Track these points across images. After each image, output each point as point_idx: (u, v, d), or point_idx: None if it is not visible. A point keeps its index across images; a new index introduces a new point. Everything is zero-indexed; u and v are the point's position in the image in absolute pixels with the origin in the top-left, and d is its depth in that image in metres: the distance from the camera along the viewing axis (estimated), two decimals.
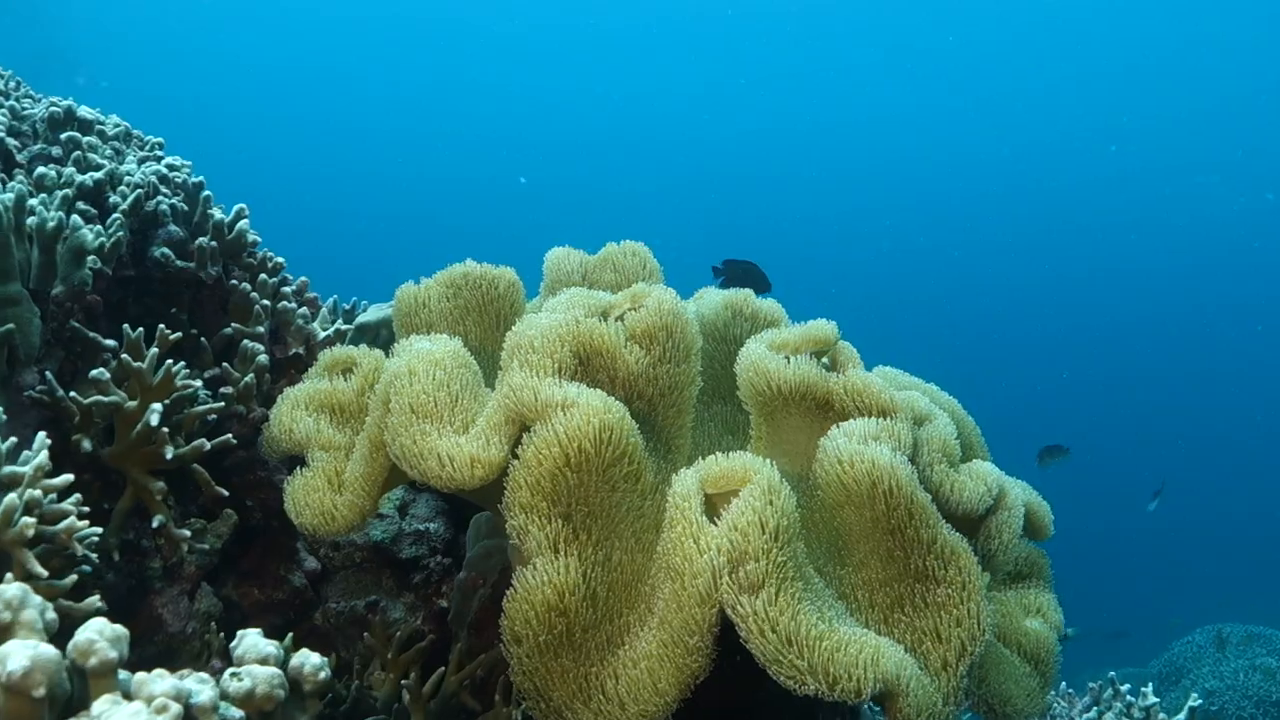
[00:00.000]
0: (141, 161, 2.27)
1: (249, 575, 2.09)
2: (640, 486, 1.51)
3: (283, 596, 2.14)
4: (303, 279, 2.16)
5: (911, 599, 1.49)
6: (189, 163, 2.55)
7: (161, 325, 1.70)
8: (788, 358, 1.65)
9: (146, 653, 1.79)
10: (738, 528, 1.32)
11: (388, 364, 1.61)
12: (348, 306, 2.34)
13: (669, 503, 1.40)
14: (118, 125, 2.34)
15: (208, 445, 1.69)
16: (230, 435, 1.73)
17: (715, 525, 1.34)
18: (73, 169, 1.89)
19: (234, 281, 1.99)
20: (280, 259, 2.09)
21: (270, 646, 1.30)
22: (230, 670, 1.27)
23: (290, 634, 1.34)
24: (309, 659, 1.33)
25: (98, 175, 1.88)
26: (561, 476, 1.42)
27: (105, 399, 1.60)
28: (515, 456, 1.45)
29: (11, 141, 1.95)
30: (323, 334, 2.00)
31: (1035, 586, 1.91)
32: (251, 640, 1.30)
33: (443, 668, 1.71)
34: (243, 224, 2.01)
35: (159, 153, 2.32)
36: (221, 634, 1.74)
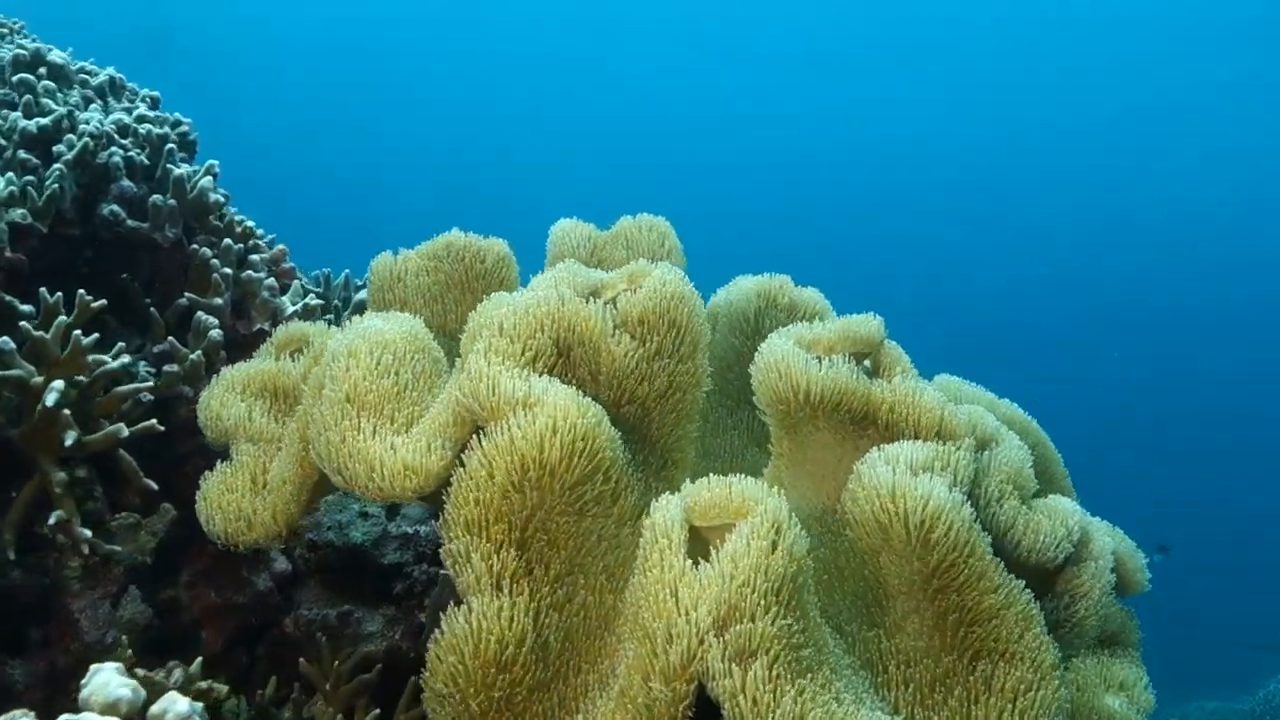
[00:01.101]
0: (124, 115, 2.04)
1: (204, 575, 1.85)
2: (618, 510, 1.20)
3: (243, 600, 1.88)
4: (280, 248, 1.91)
5: (963, 679, 1.15)
6: (186, 120, 2.34)
7: (81, 291, 1.45)
8: (819, 358, 1.31)
9: (61, 664, 1.55)
10: (731, 576, 1.00)
11: (329, 343, 1.33)
12: (339, 281, 2.08)
13: (643, 538, 1.09)
14: (105, 75, 2.13)
15: (125, 431, 1.44)
16: (155, 421, 1.48)
17: (701, 571, 1.03)
18: (19, 114, 1.66)
19: (194, 246, 1.74)
20: (250, 223, 1.84)
21: (124, 689, 1.03)
22: (64, 718, 1.00)
23: (140, 675, 1.07)
24: (174, 706, 1.06)
25: (44, 121, 1.65)
26: (515, 495, 1.11)
27: (7, 373, 1.36)
28: (462, 465, 1.16)
29: None
30: (291, 308, 1.74)
31: (1120, 655, 1.54)
32: (102, 679, 1.03)
33: (378, 710, 1.43)
34: (205, 181, 1.76)
35: (148, 109, 2.10)
36: (129, 651, 1.49)
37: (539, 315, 1.26)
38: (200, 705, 1.08)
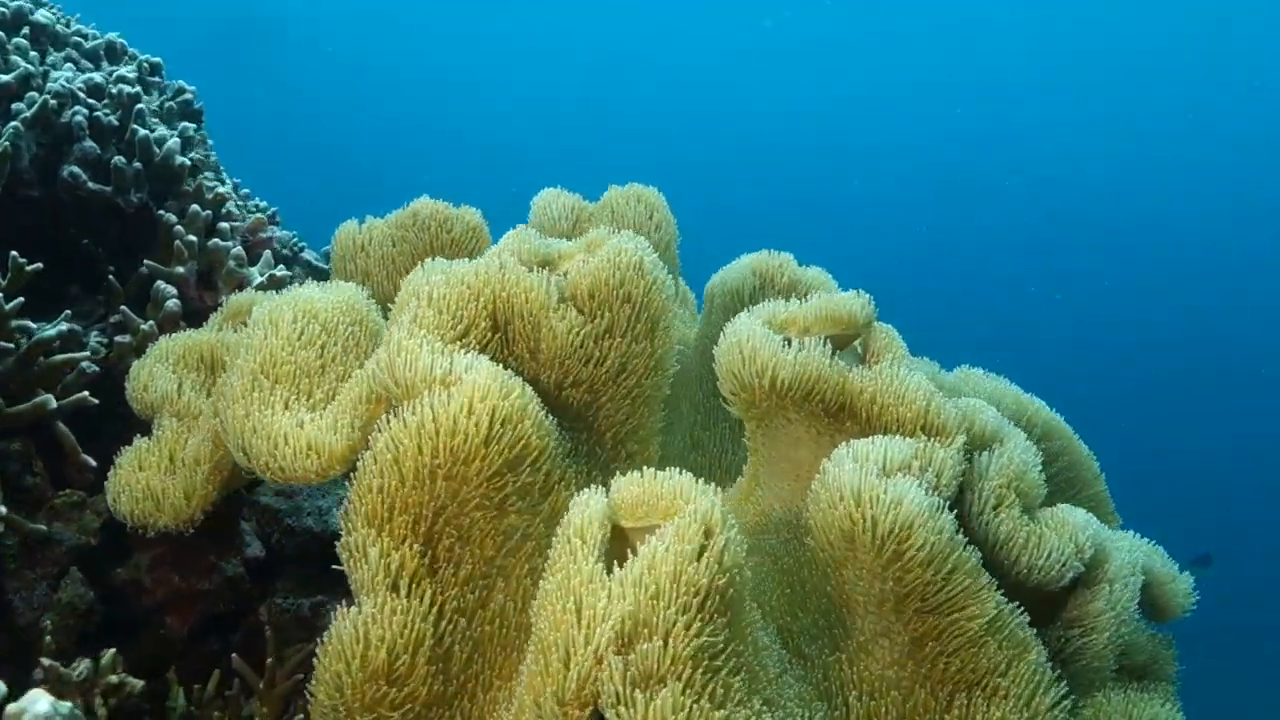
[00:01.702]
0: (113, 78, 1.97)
1: (166, 558, 1.76)
2: (550, 507, 1.06)
3: (209, 586, 1.79)
4: (258, 217, 1.81)
5: (936, 717, 0.98)
6: (190, 88, 2.27)
7: (14, 254, 1.37)
8: (790, 340, 1.15)
9: None
10: (642, 585, 0.85)
11: (253, 310, 1.21)
12: (315, 254, 1.98)
13: (556, 536, 0.94)
14: (103, 39, 2.07)
15: (54, 403, 1.35)
16: (87, 394, 1.39)
17: (612, 578, 0.88)
18: None
19: (160, 212, 1.65)
20: (223, 190, 1.74)
21: None
22: None
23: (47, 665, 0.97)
24: (33, 706, 0.95)
25: (5, 78, 1.58)
26: (422, 484, 0.98)
27: None
28: (369, 448, 1.03)
29: None
30: (258, 279, 1.64)
31: (1151, 689, 1.34)
32: None
33: None
34: (172, 144, 1.66)
35: (131, 72, 2.03)
36: (48, 637, 1.40)
37: (473, 285, 1.13)
38: (68, 705, 0.98)
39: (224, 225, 1.69)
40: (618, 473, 1.18)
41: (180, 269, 1.62)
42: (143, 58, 2.17)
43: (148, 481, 1.19)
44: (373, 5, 16.47)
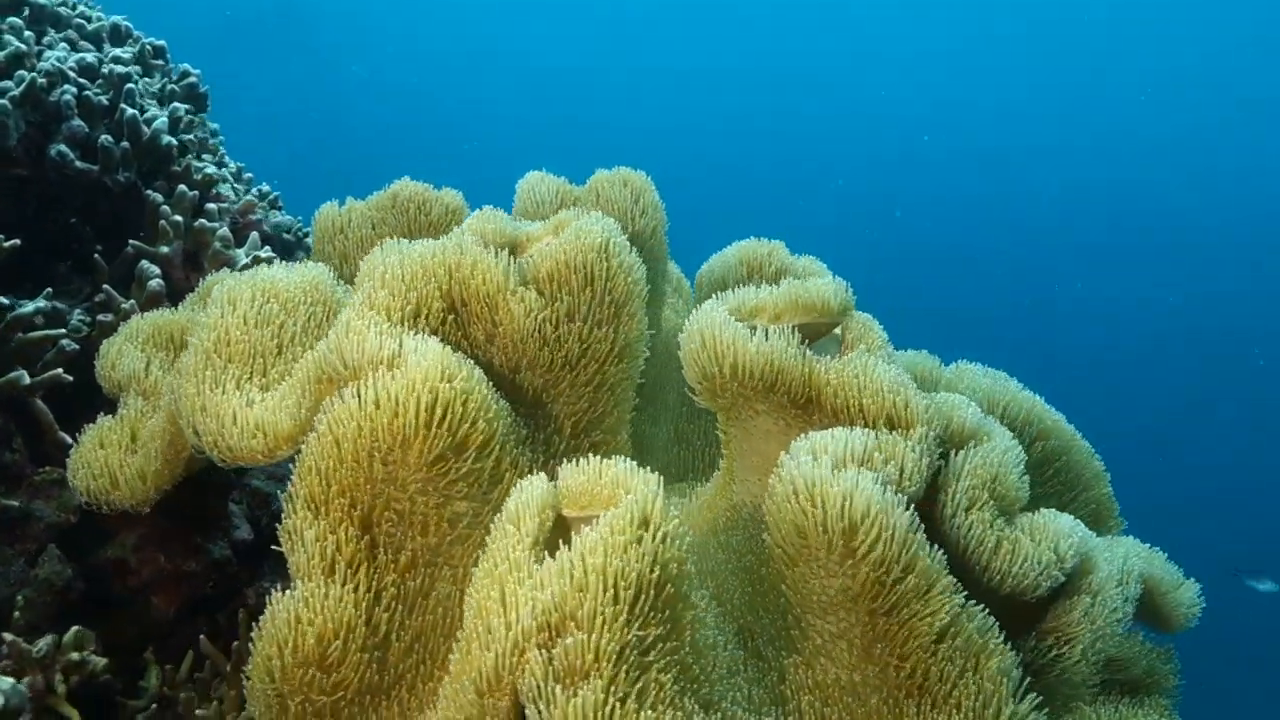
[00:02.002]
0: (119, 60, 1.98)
1: (152, 538, 1.76)
2: (500, 495, 1.02)
3: (195, 568, 1.79)
4: (248, 199, 1.80)
5: None
6: (194, 71, 2.27)
7: None
8: (756, 328, 1.11)
9: None
10: (569, 575, 0.81)
11: (214, 289, 1.20)
12: (298, 234, 1.96)
13: (494, 523, 0.91)
14: (107, 21, 2.07)
15: (26, 379, 1.35)
16: (61, 370, 1.38)
17: (542, 567, 0.84)
18: None
19: (148, 192, 1.65)
20: (212, 171, 1.73)
21: None
22: None
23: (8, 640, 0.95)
24: None
25: None
26: (362, 466, 0.96)
27: None
28: (315, 430, 1.00)
29: None
30: (244, 260, 1.63)
31: (1145, 705, 1.28)
32: None
33: None
34: (159, 124, 1.66)
35: (140, 55, 2.03)
36: (16, 613, 1.40)
37: (428, 265, 1.10)
38: (9, 682, 0.97)
39: (211, 206, 1.68)
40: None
41: (165, 249, 1.61)
42: (146, 40, 2.17)
43: (106, 459, 1.17)
44: None
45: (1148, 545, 1.41)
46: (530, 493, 0.90)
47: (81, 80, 1.67)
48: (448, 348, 1.01)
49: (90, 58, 1.71)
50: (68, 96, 1.62)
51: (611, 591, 0.80)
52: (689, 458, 1.59)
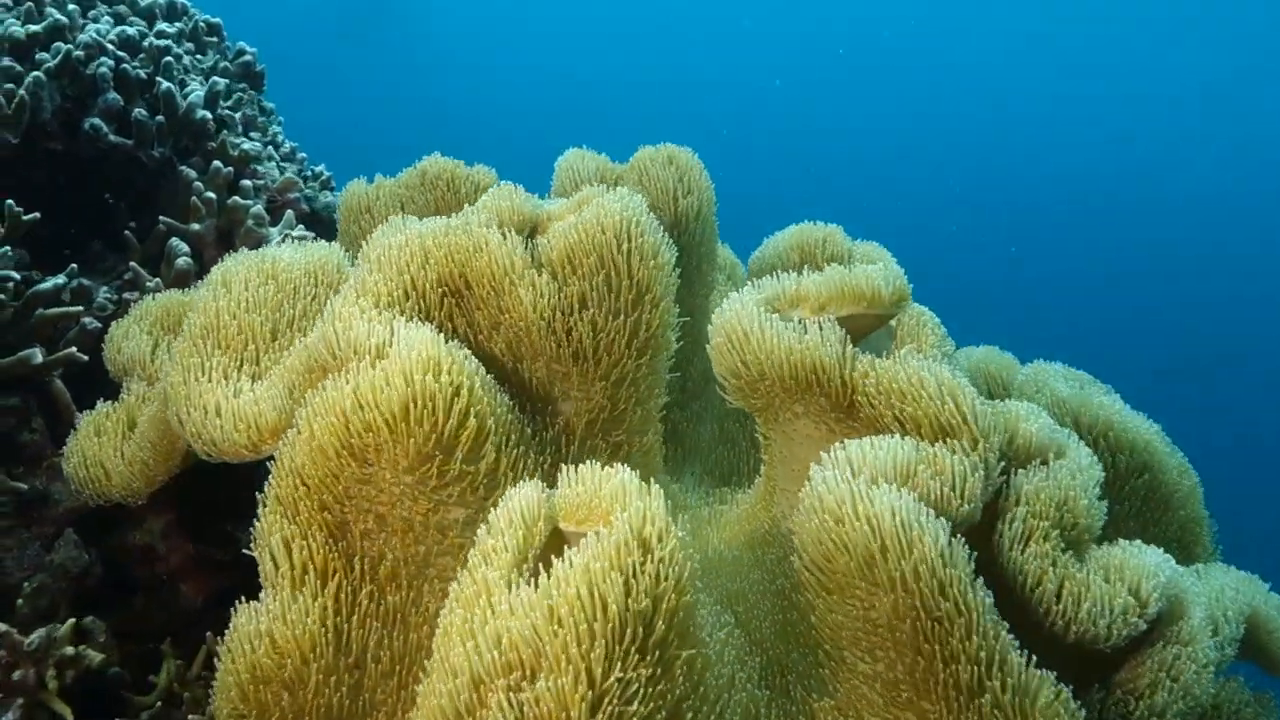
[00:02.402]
0: (179, 37, 1.94)
1: (184, 525, 1.72)
2: (499, 500, 0.92)
3: (225, 558, 1.75)
4: (288, 177, 1.74)
5: None
6: (250, 50, 2.23)
7: (10, 202, 1.32)
8: (795, 320, 0.97)
9: None
10: (544, 607, 0.70)
11: (212, 270, 1.12)
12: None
13: (475, 541, 0.81)
14: None
15: (39, 357, 1.30)
16: (74, 349, 1.34)
17: (517, 595, 0.73)
18: (14, 20, 1.56)
19: (182, 168, 1.60)
20: (249, 148, 1.67)
21: None
22: None
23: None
24: None
25: (34, 28, 1.55)
26: (340, 465, 0.86)
27: None
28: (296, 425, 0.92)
29: None
30: (276, 239, 1.57)
31: None
32: None
33: None
34: (194, 97, 1.60)
35: (190, 30, 1.99)
36: (20, 600, 1.35)
37: (429, 246, 1.00)
38: None
39: (246, 183, 1.62)
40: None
41: (197, 226, 1.56)
42: (201, 17, 2.14)
43: (100, 447, 1.12)
44: None
45: (1248, 574, 1.24)
46: (517, 502, 0.79)
47: (120, 53, 1.63)
48: (441, 336, 0.91)
49: (132, 31, 1.67)
50: (104, 69, 1.58)
51: (591, 626, 0.69)
52: (734, 459, 1.46)
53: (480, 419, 0.89)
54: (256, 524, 0.89)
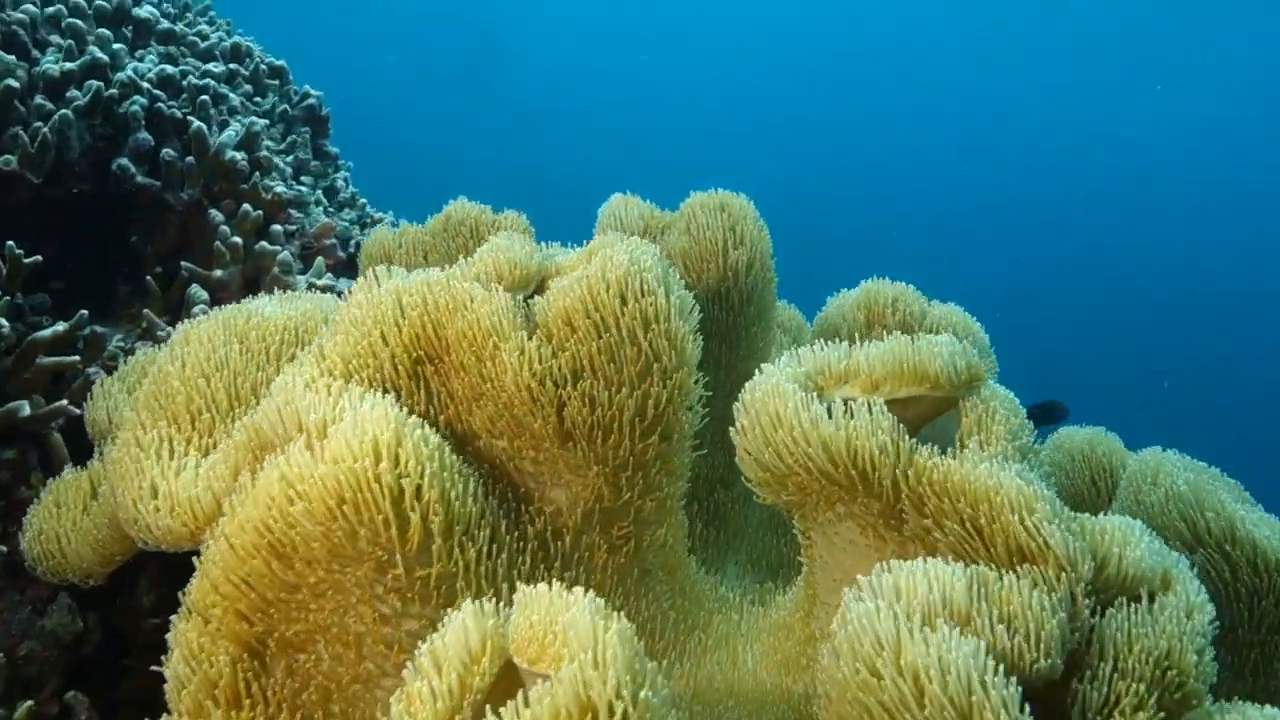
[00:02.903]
0: (231, 81, 1.90)
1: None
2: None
3: None
4: (325, 223, 1.64)
5: None
6: (315, 93, 2.18)
7: (10, 243, 1.25)
8: (840, 403, 0.79)
9: None
10: None
11: (176, 327, 1.00)
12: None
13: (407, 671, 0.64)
14: (227, 40, 2.01)
15: (26, 409, 1.21)
16: (66, 402, 1.24)
17: None
18: (52, 59, 1.52)
19: (211, 211, 1.52)
20: (283, 190, 1.58)
21: None
22: None
23: None
24: None
25: (69, 66, 1.50)
26: (263, 565, 0.72)
27: None
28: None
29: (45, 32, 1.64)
30: (303, 286, 1.46)
31: None
32: None
33: None
34: (225, 137, 1.52)
35: (249, 74, 1.94)
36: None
37: (403, 303, 0.86)
38: None
39: (276, 228, 1.53)
40: (579, 574, 0.86)
41: (220, 273, 1.47)
42: (266, 60, 2.09)
43: (58, 521, 1.00)
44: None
45: None
46: (453, 634, 0.63)
47: (157, 92, 1.56)
48: (402, 412, 0.76)
49: (172, 70, 1.61)
50: (135, 108, 1.51)
51: None
52: (785, 548, 1.27)
53: (433, 512, 0.73)
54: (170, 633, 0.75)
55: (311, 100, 2.16)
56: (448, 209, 1.30)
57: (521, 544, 0.83)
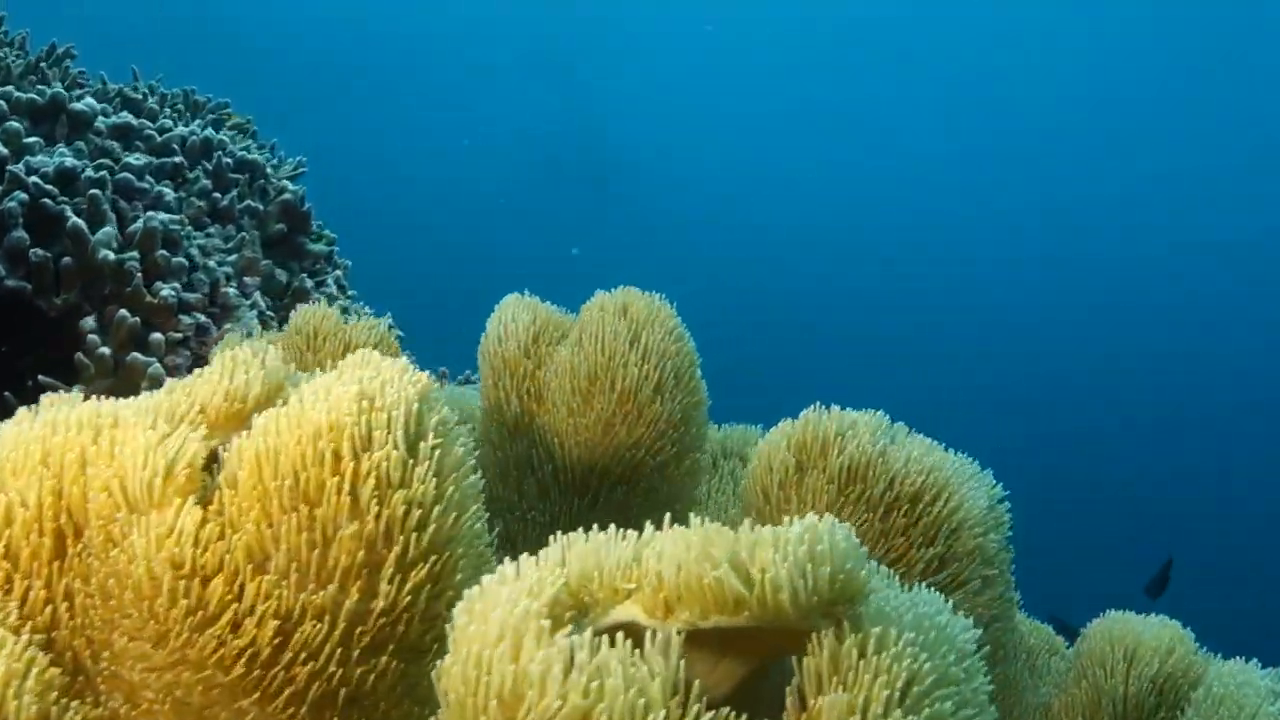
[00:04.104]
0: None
1: None
2: None
3: None
4: (227, 328, 1.43)
5: None
6: (290, 188, 2.03)
7: None
8: (602, 641, 0.48)
9: None
10: None
11: None
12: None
13: None
14: (196, 135, 1.88)
15: None
16: None
17: None
18: None
19: (84, 320, 1.32)
20: (167, 294, 1.38)
21: None
22: None
23: None
24: None
25: None
26: None
27: None
28: None
29: None
30: None
31: None
32: None
33: None
34: (101, 235, 1.34)
35: (223, 171, 1.80)
36: None
37: (33, 457, 0.60)
38: None
39: (156, 337, 1.32)
40: None
41: (81, 389, 1.27)
42: (236, 156, 1.95)
43: None
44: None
45: None
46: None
47: (47, 188, 1.40)
48: None
49: (73, 162, 1.45)
50: (13, 204, 1.35)
51: None
52: None
53: None
54: None
55: (287, 196, 2.00)
56: (293, 318, 1.06)
57: None
